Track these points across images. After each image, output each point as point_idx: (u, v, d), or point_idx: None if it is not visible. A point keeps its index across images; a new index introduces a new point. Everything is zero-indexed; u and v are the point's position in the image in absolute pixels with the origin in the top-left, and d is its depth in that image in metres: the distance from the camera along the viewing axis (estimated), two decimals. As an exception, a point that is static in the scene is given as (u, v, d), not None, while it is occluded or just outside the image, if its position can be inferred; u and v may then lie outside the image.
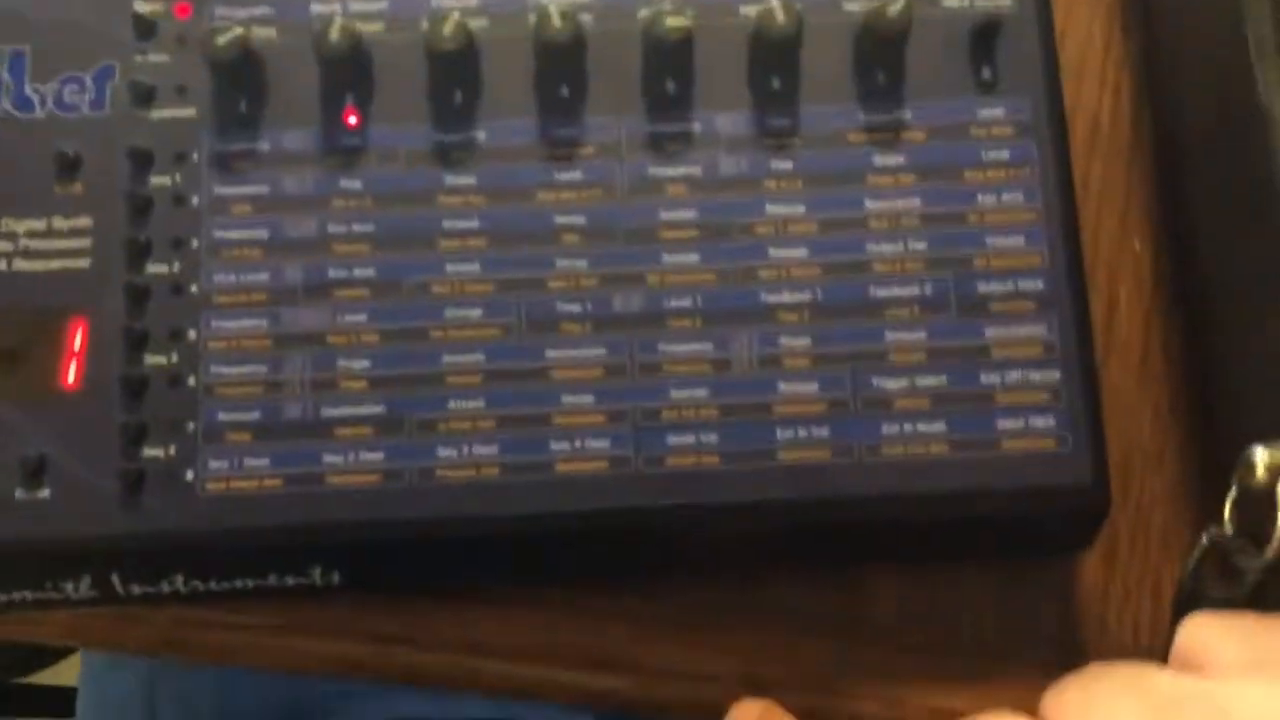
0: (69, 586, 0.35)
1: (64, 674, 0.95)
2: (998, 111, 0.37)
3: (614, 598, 0.38)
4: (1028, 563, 0.39)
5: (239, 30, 0.35)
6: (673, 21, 0.35)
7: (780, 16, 0.35)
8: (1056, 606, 0.39)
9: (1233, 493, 0.33)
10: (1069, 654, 0.38)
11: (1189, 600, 0.33)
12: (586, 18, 0.36)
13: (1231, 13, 0.38)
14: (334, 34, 0.35)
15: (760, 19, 0.35)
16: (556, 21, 0.35)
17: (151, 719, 0.54)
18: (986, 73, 0.37)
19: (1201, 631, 0.27)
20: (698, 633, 0.38)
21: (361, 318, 0.35)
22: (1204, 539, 0.33)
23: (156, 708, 0.55)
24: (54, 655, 0.97)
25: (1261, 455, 0.31)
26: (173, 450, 0.34)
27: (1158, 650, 0.28)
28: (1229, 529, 0.33)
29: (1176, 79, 0.42)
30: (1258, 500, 0.32)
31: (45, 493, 0.34)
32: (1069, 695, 0.26)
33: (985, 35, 0.37)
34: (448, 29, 0.35)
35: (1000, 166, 0.36)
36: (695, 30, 0.36)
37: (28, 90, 0.36)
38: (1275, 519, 0.31)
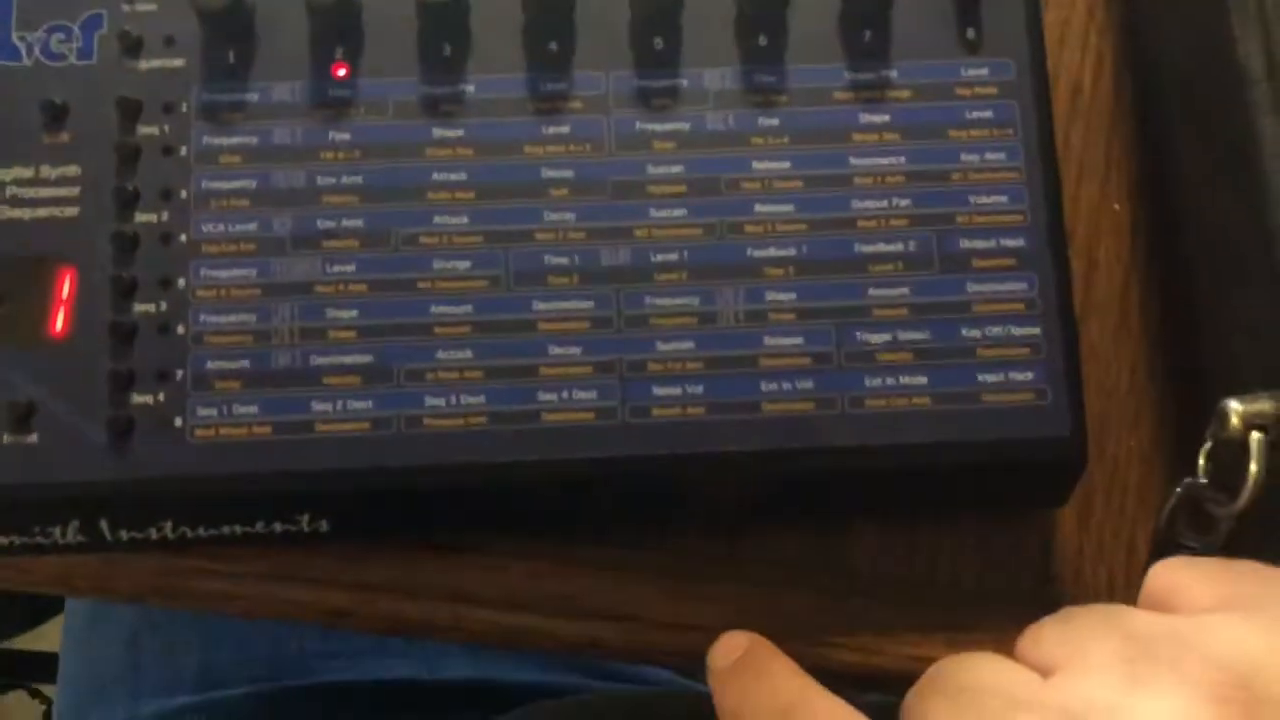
0: (57, 532, 0.35)
1: (47, 638, 0.96)
2: (982, 71, 0.37)
3: (599, 547, 0.39)
4: (1005, 515, 0.39)
5: (228, -21, 0.35)
6: (661, -25, 0.35)
7: (768, -27, 0.35)
8: (1033, 559, 0.39)
9: (1207, 444, 0.34)
10: (1045, 604, 0.38)
11: (1163, 548, 0.34)
12: (573, -30, 0.37)
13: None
14: (324, -15, 0.35)
15: (749, -24, 0.36)
16: (545, -27, 0.35)
17: (135, 674, 0.54)
18: (971, 33, 0.37)
19: (1171, 573, 0.27)
20: (682, 582, 0.38)
21: (350, 268, 0.35)
22: (1179, 489, 0.34)
23: (140, 664, 0.55)
24: (32, 620, 0.97)
25: (1235, 406, 0.32)
26: (161, 397, 0.34)
27: (1131, 599, 0.29)
28: (1203, 478, 0.34)
29: (1157, 43, 0.42)
30: (1231, 450, 0.32)
31: (33, 438, 0.34)
32: (1045, 633, 0.27)
33: (970, -5, 0.37)
34: (438, -20, 0.35)
35: (983, 126, 0.37)
36: (684, -14, 0.36)
37: (14, 39, 0.36)
38: (1248, 468, 0.31)
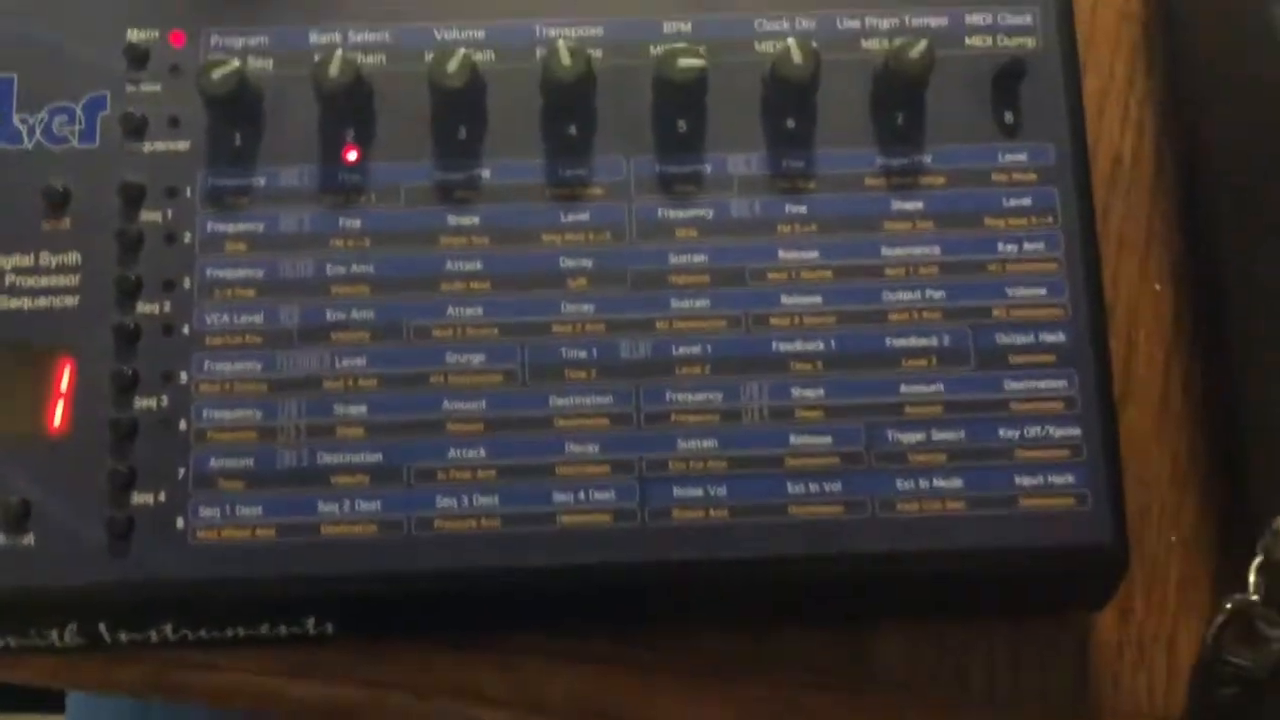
0: (54, 634, 0.34)
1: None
2: (1020, 156, 0.35)
3: (617, 647, 0.37)
4: (1041, 617, 0.37)
5: (235, 64, 0.34)
6: (686, 62, 0.34)
7: (797, 56, 0.34)
8: (1069, 661, 0.38)
9: (1258, 559, 0.32)
10: (1081, 711, 0.37)
11: (1210, 666, 0.33)
12: (595, 53, 0.35)
13: (1259, 50, 0.37)
14: (334, 68, 0.33)
15: (777, 59, 0.34)
16: (565, 59, 0.33)
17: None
18: (1009, 116, 0.36)
19: None
20: (703, 684, 0.37)
21: (360, 362, 0.34)
22: (1227, 605, 0.32)
23: (149, 710, 0.54)
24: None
25: (1290, 526, 0.30)
26: (163, 497, 0.33)
27: (1172, 706, 0.27)
28: (1254, 595, 0.32)
29: (1200, 114, 0.41)
30: (1285, 571, 0.31)
31: (29, 539, 0.33)
32: None
33: (1008, 77, 0.36)
34: (453, 65, 0.33)
35: (1021, 214, 0.35)
36: (708, 69, 0.34)
37: (15, 120, 0.35)
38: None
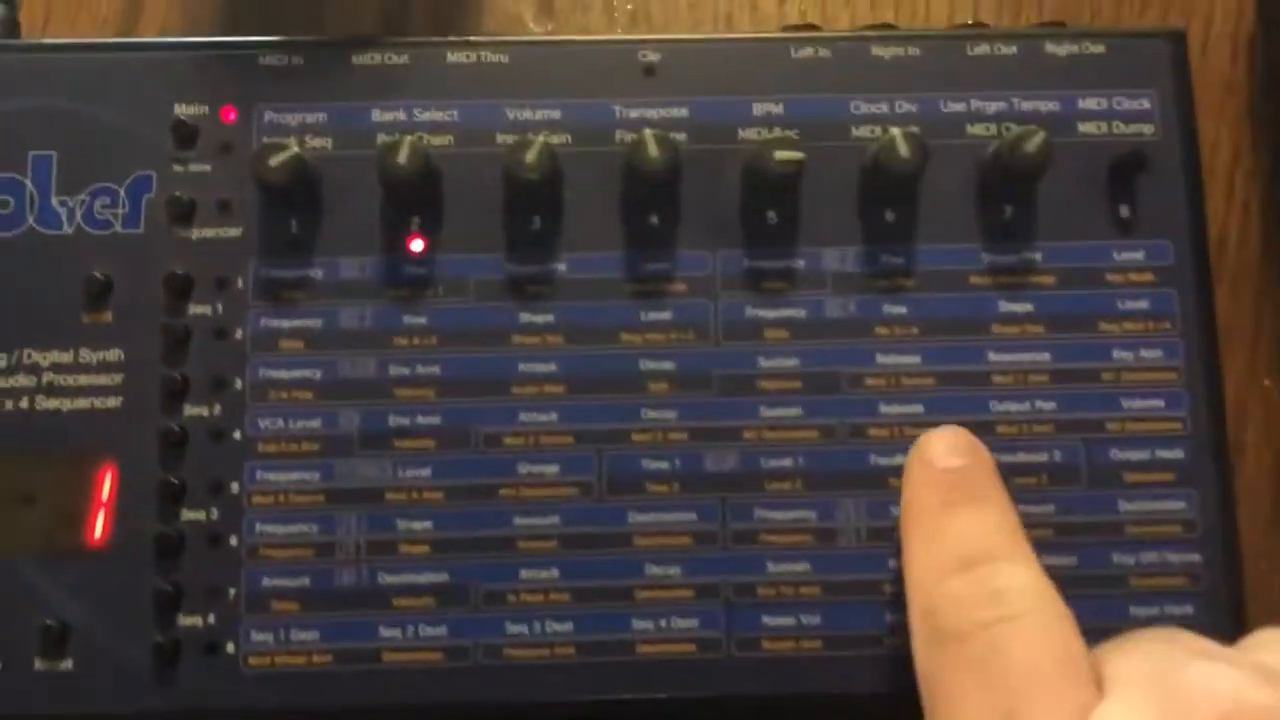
0: (92, 763, 0.31)
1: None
2: (1137, 255, 0.33)
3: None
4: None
5: (294, 150, 0.31)
6: (784, 155, 0.31)
7: (904, 149, 0.31)
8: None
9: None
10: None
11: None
12: (680, 137, 0.33)
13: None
14: (402, 155, 0.31)
15: (881, 150, 0.31)
16: (653, 150, 0.31)
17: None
18: (1124, 210, 0.33)
19: None
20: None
21: (424, 472, 0.31)
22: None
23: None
24: None
25: None
26: (212, 619, 0.31)
27: None
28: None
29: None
30: None
31: (68, 664, 0.30)
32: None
33: (1125, 168, 0.33)
34: (531, 155, 0.31)
35: (1138, 318, 0.33)
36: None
37: (54, 203, 0.32)
38: None
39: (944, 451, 0.29)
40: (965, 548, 0.27)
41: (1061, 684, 0.24)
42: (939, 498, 0.28)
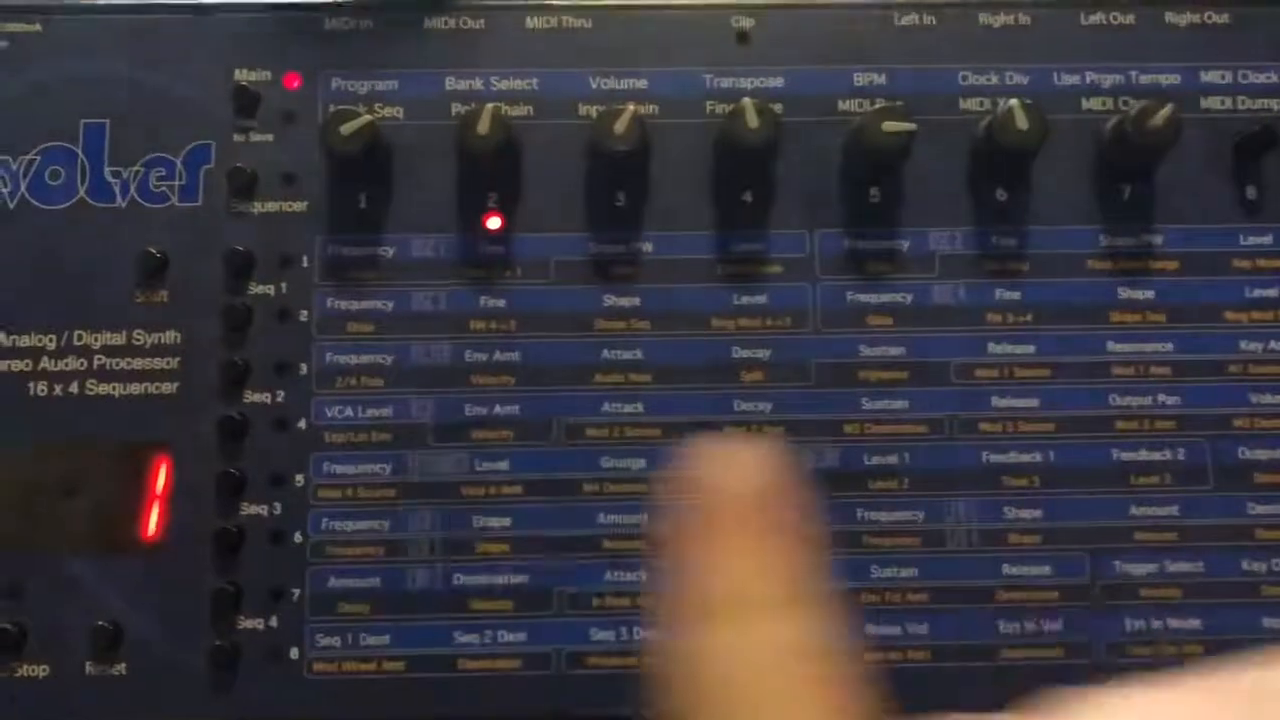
0: (143, 774, 0.29)
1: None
2: (1265, 239, 0.31)
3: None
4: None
5: (367, 118, 0.29)
6: (893, 125, 0.29)
7: (1022, 120, 0.29)
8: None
9: None
10: None
11: None
12: (775, 109, 0.30)
13: None
14: (483, 124, 0.29)
15: (998, 121, 0.29)
16: (752, 120, 0.29)
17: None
18: (1252, 192, 0.31)
19: None
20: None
21: (502, 465, 0.29)
22: None
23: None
24: None
25: None
26: (274, 621, 0.29)
27: None
28: None
29: None
30: None
31: (120, 667, 0.28)
32: None
33: (1252, 147, 0.31)
34: (621, 125, 0.28)
35: (1267, 306, 0.30)
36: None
37: (107, 174, 0.30)
38: None
39: (740, 477, 0.23)
40: (737, 592, 0.21)
41: None
42: (724, 524, 0.23)
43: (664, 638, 0.20)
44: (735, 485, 0.21)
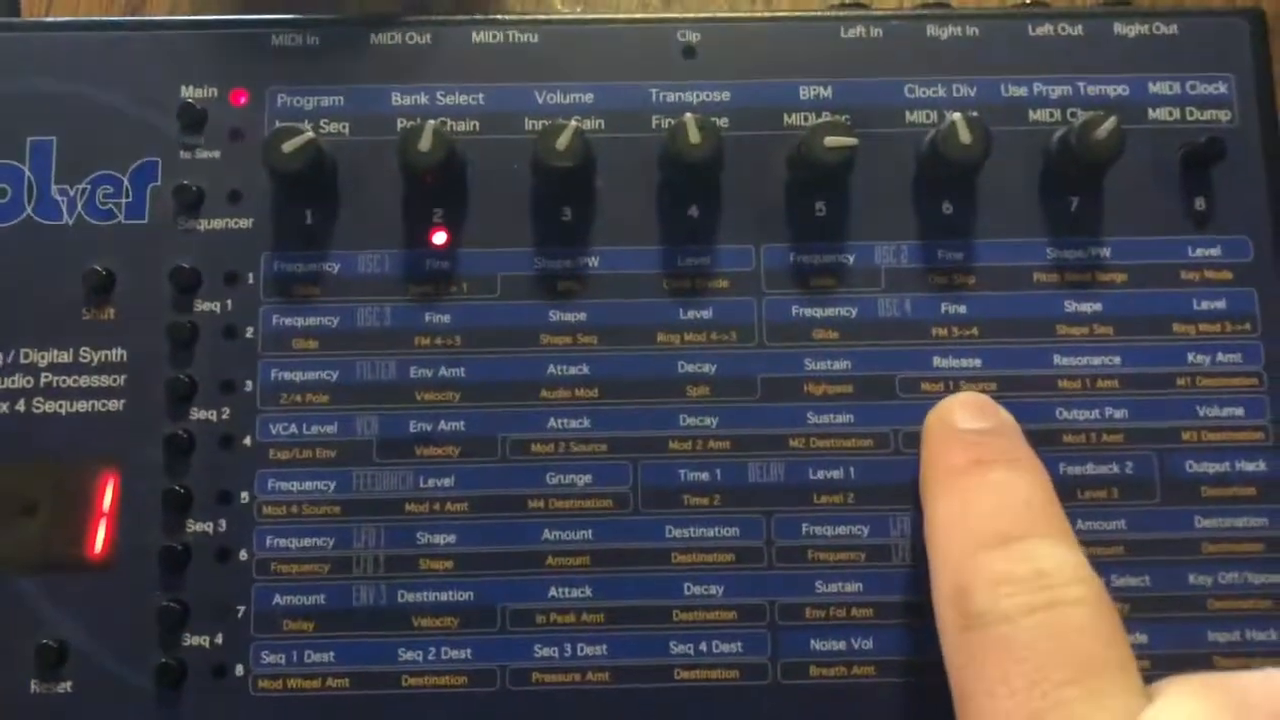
0: (92, 791, 0.29)
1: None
2: (1213, 251, 0.31)
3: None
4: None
5: (308, 135, 0.29)
6: (835, 140, 0.29)
7: (966, 135, 0.29)
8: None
9: None
10: None
11: None
12: (721, 123, 0.30)
13: None
14: (425, 142, 0.29)
15: (942, 136, 0.29)
16: (694, 135, 0.29)
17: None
18: (1200, 203, 0.31)
19: None
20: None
21: (448, 482, 0.29)
22: None
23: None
24: None
25: None
26: (219, 639, 0.29)
27: None
28: None
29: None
30: None
31: (66, 686, 0.28)
32: None
33: (1200, 158, 0.31)
34: (563, 141, 0.28)
35: (1215, 319, 0.30)
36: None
37: (53, 191, 0.30)
38: None
39: (968, 414, 0.27)
40: (1001, 521, 0.25)
41: (1113, 682, 0.22)
42: (967, 458, 0.26)
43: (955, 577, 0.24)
44: (983, 423, 0.27)
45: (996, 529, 0.24)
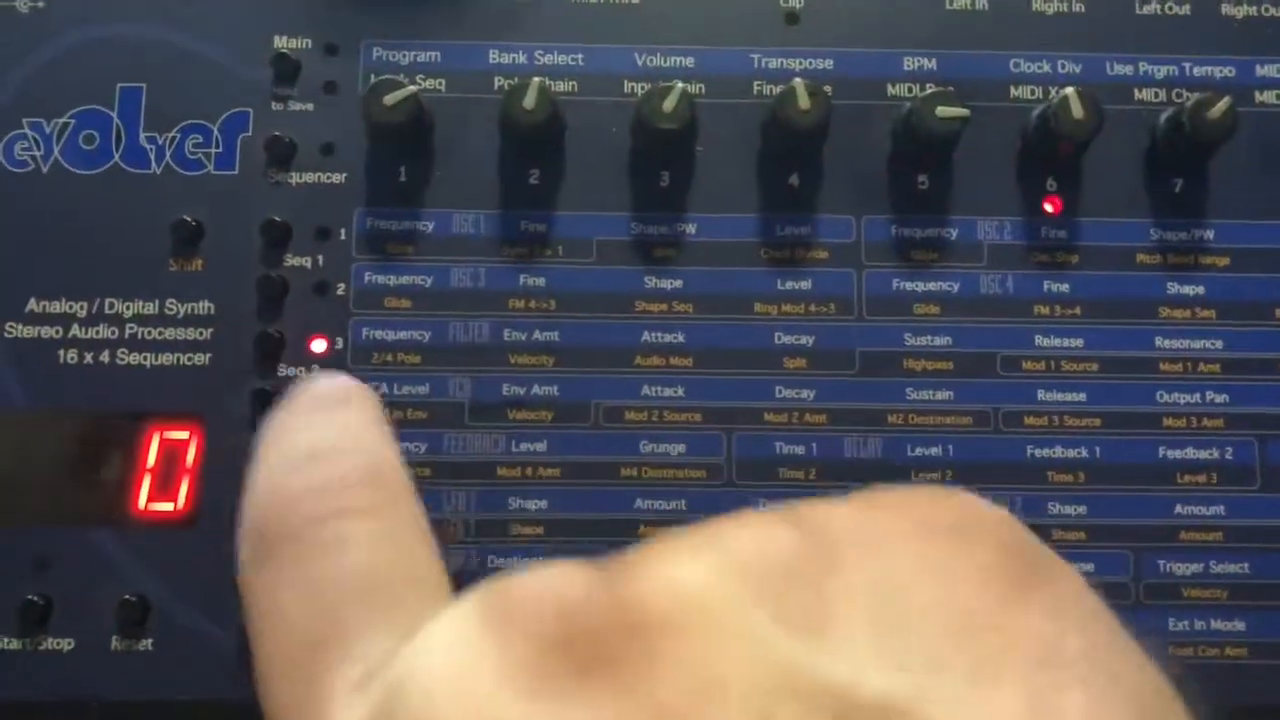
0: (168, 753, 0.29)
1: None
2: (1318, 236, 0.30)
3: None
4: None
5: (411, 89, 0.28)
6: (947, 110, 0.28)
7: (1078, 109, 0.28)
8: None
9: None
10: None
11: None
12: (826, 90, 0.30)
13: None
14: (529, 99, 0.28)
15: (1055, 109, 0.29)
16: (804, 101, 0.28)
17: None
18: (1307, 187, 0.30)
19: None
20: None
21: (540, 446, 0.29)
22: None
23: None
24: None
25: None
26: (304, 600, 0.28)
27: None
28: None
29: None
30: None
31: (147, 643, 0.28)
32: None
33: (1308, 141, 0.30)
34: (670, 103, 0.28)
35: (1319, 305, 0.30)
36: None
37: (142, 139, 0.30)
38: None
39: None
40: (314, 440, 0.20)
41: (393, 597, 0.18)
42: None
43: (253, 513, 0.18)
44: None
45: (306, 447, 0.20)
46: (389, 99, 0.28)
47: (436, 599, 0.17)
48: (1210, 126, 0.29)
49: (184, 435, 0.29)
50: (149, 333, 0.29)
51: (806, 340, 0.29)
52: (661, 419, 0.29)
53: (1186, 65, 0.31)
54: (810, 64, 0.30)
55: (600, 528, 0.28)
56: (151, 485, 0.28)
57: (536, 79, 0.28)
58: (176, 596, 0.28)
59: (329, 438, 0.19)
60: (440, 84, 0.30)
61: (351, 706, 0.16)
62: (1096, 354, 0.29)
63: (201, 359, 0.29)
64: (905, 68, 0.31)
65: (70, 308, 0.29)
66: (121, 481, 0.28)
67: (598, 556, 0.27)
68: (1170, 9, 0.31)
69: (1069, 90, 0.29)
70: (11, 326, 0.29)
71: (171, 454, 0.28)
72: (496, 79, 0.30)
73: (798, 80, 0.28)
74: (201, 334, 0.29)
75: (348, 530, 0.18)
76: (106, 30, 0.30)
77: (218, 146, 0.30)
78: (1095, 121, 0.29)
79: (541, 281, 0.29)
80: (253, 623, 0.18)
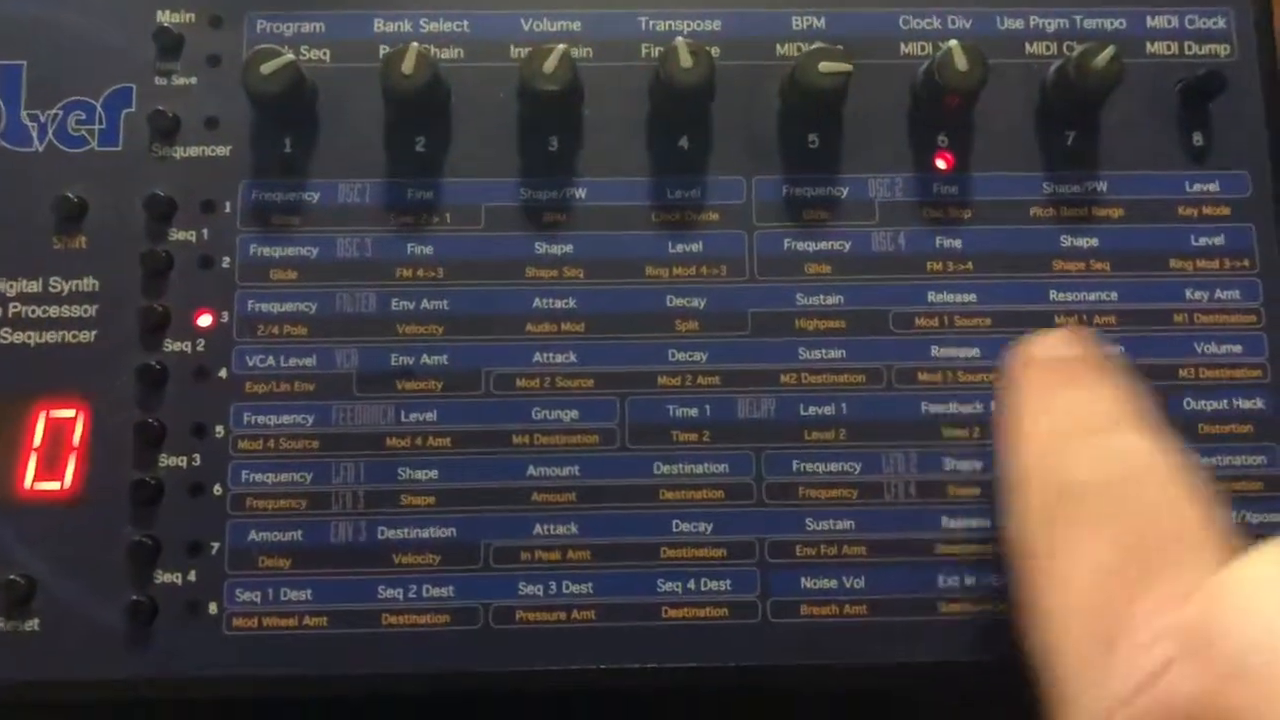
0: (60, 734, 0.28)
1: None
2: (1211, 186, 0.30)
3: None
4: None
5: (289, 57, 0.28)
6: (829, 66, 0.28)
7: (961, 61, 0.28)
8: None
9: None
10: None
11: None
12: (713, 52, 0.30)
13: None
14: (407, 64, 0.28)
15: (937, 63, 0.28)
16: (686, 60, 0.28)
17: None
18: (1198, 138, 0.30)
19: None
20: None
21: (429, 416, 0.28)
22: None
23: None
24: None
25: None
26: (192, 576, 0.28)
27: None
28: None
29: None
30: None
31: (34, 623, 0.28)
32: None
33: (1198, 92, 0.30)
34: (550, 64, 0.28)
35: (1212, 254, 0.30)
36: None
37: (23, 117, 0.29)
38: None
39: (1054, 344, 0.26)
40: (1084, 417, 0.24)
41: (1200, 542, 0.21)
42: (1051, 378, 0.25)
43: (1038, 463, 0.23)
44: (1070, 351, 0.23)
45: (1078, 423, 0.23)
46: (266, 68, 0.28)
47: (1228, 547, 0.21)
48: (1096, 75, 0.29)
49: (70, 414, 0.28)
50: (33, 311, 0.29)
51: (698, 303, 0.29)
52: (554, 385, 0.29)
53: (1077, 18, 0.31)
54: (698, 25, 0.30)
55: (492, 496, 0.28)
56: (38, 465, 0.28)
57: (415, 44, 0.28)
58: (63, 576, 0.28)
59: (1101, 415, 0.22)
60: (325, 54, 0.30)
61: (1163, 615, 0.19)
62: (990, 309, 0.29)
63: (87, 336, 0.29)
64: (794, 27, 0.30)
65: (-47, 288, 0.29)
66: (7, 461, 0.28)
67: (490, 527, 0.26)
68: (1060, -38, 0.31)
69: (952, 43, 0.29)
70: (-108, 308, 0.28)
71: (58, 432, 0.28)
72: (381, 48, 0.30)
73: (680, 39, 0.28)
74: (86, 311, 0.29)
75: (1144, 490, 0.20)
76: (-16, 8, 0.30)
77: (101, 123, 0.29)
78: (980, 73, 0.28)
79: (429, 250, 0.29)
80: (1036, 553, 0.21)
